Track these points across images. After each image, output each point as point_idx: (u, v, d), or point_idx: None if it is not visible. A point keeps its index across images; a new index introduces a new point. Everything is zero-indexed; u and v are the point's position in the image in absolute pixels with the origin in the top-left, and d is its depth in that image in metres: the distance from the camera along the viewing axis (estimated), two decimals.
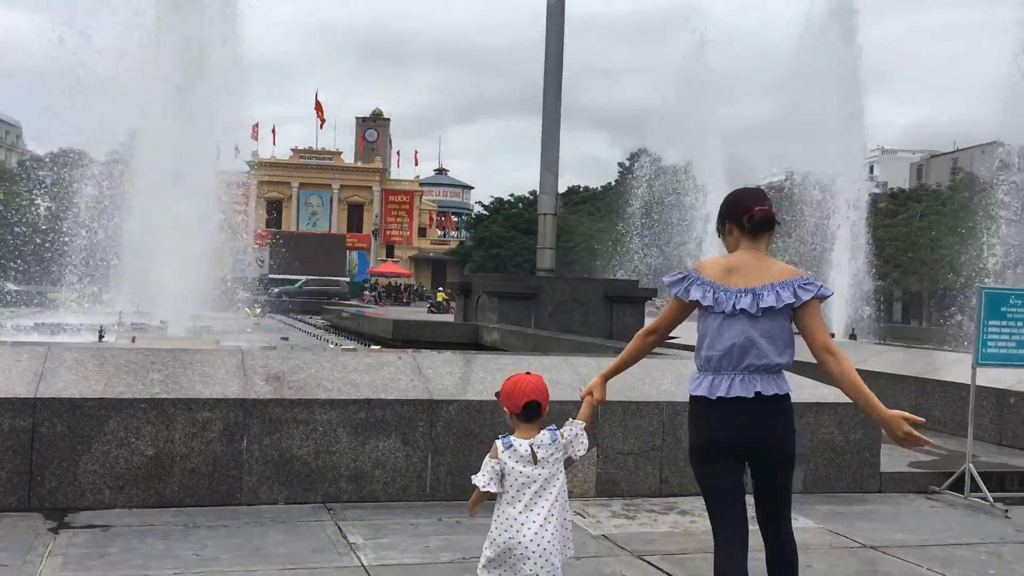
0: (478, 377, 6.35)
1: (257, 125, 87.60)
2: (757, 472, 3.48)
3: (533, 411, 3.55)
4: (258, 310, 19.38)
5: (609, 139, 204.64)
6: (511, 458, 3.48)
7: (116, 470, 5.41)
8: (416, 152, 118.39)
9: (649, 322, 3.76)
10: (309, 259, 76.13)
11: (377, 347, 10.91)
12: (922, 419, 3.31)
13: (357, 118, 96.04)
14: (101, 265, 16.13)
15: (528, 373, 3.66)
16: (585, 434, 3.63)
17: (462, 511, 5.74)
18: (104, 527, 5.02)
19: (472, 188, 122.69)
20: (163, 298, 13.28)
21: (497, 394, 3.68)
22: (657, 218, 41.33)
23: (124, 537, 4.86)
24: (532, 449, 3.48)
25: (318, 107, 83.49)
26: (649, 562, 4.87)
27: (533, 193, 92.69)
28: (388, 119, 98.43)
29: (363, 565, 4.60)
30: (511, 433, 3.58)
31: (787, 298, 3.35)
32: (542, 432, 3.55)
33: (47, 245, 17.25)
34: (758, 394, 3.33)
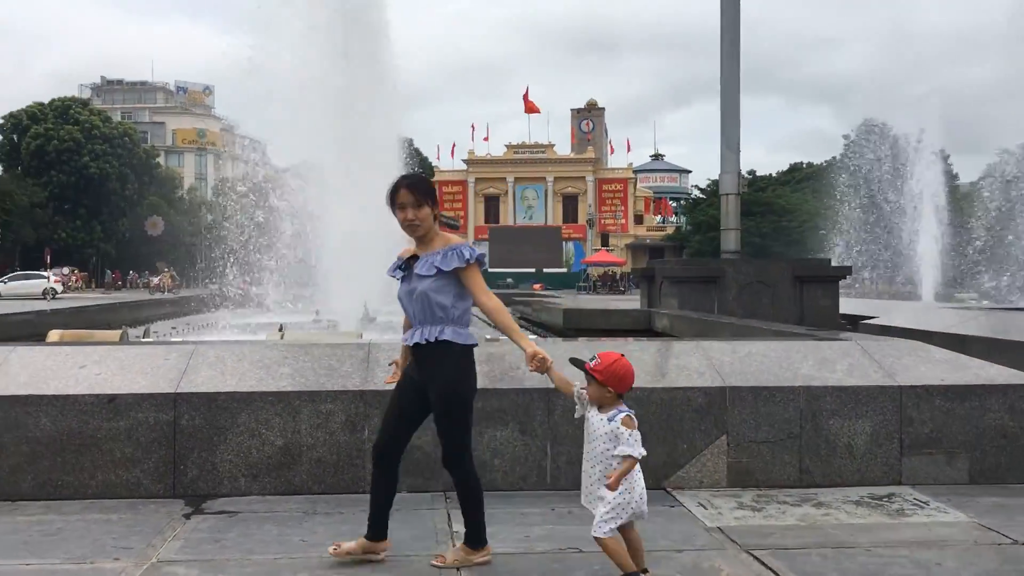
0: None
1: (473, 125, 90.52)
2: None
3: None
4: None
5: (833, 112, 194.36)
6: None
7: (249, 459, 5.77)
8: (628, 140, 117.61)
9: None
10: (527, 252, 77.79)
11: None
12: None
13: (572, 110, 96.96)
14: (308, 268, 17.27)
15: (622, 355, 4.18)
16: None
17: (578, 501, 5.67)
18: (232, 513, 5.37)
19: (689, 172, 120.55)
20: (353, 296, 14.03)
21: (587, 367, 4.13)
22: (879, 192, 38.90)
23: (246, 523, 5.18)
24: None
25: (527, 102, 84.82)
26: (756, 556, 4.60)
27: (752, 173, 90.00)
28: (603, 108, 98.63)
29: None
30: (612, 406, 4.09)
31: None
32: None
33: (261, 251, 18.73)
34: None
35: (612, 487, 3.95)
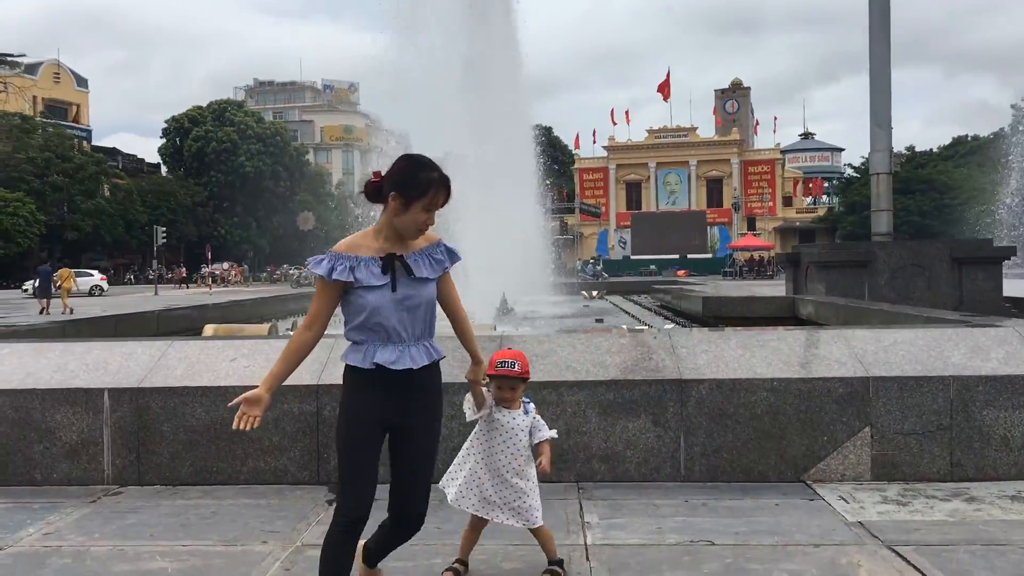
0: (734, 355, 6.12)
1: (613, 110, 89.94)
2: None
3: None
4: (594, 293, 19.99)
5: (997, 80, 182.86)
6: None
7: (387, 448, 5.94)
8: (775, 119, 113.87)
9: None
10: (670, 238, 76.79)
11: (642, 328, 10.79)
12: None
13: (716, 91, 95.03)
14: None
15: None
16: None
17: (712, 493, 5.61)
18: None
19: (842, 150, 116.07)
20: (493, 287, 14.22)
21: (514, 373, 4.10)
22: None
23: (383, 510, 5.35)
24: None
25: (664, 85, 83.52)
26: (898, 552, 4.42)
27: (910, 149, 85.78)
28: (748, 88, 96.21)
29: (585, 544, 4.67)
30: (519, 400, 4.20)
31: None
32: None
33: None
34: None
35: (548, 468, 4.13)
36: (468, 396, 4.10)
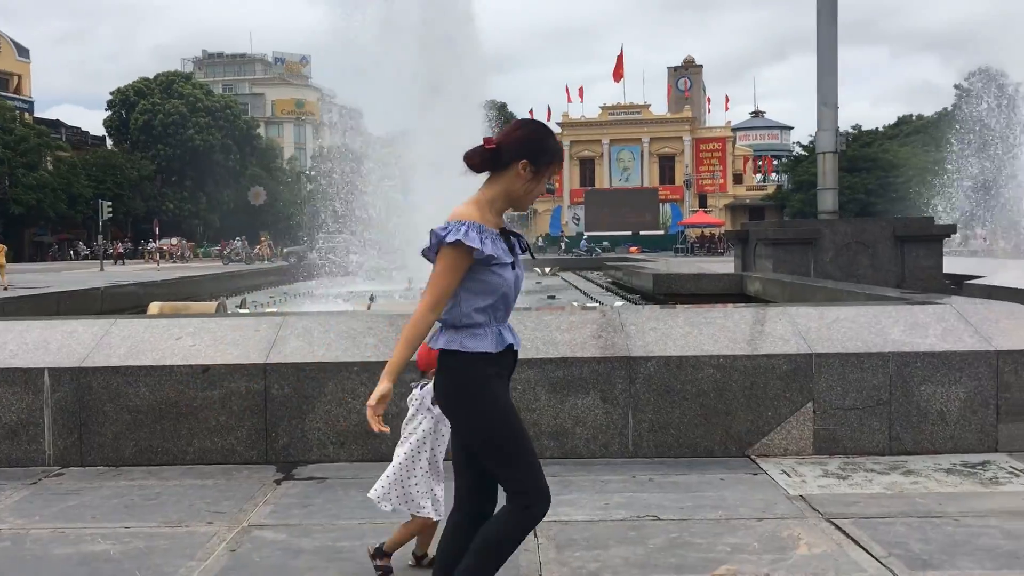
0: (682, 332, 6.19)
1: (567, 87, 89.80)
2: None
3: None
4: (547, 269, 20.03)
5: (941, 61, 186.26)
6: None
7: (337, 427, 5.94)
8: (727, 97, 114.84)
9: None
10: (623, 214, 77.17)
11: (593, 305, 10.88)
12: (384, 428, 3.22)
13: (668, 68, 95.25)
14: (403, 236, 17.57)
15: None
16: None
17: (659, 469, 5.69)
18: (321, 479, 5.55)
19: (791, 128, 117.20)
20: None
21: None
22: (994, 143, 37.14)
23: (333, 489, 5.35)
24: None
25: (618, 66, 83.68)
26: (837, 525, 4.52)
27: (857, 128, 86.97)
28: (700, 66, 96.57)
29: None
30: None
31: (431, 247, 3.09)
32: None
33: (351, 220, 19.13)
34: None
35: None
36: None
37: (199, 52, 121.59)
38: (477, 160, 3.11)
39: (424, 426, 3.97)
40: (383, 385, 3.21)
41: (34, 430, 5.91)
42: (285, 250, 54.72)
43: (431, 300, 3.07)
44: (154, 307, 8.70)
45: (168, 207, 77.27)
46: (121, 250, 58.93)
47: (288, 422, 5.94)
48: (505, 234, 3.16)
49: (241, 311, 10.07)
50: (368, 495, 4.07)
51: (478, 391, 3.09)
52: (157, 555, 4.25)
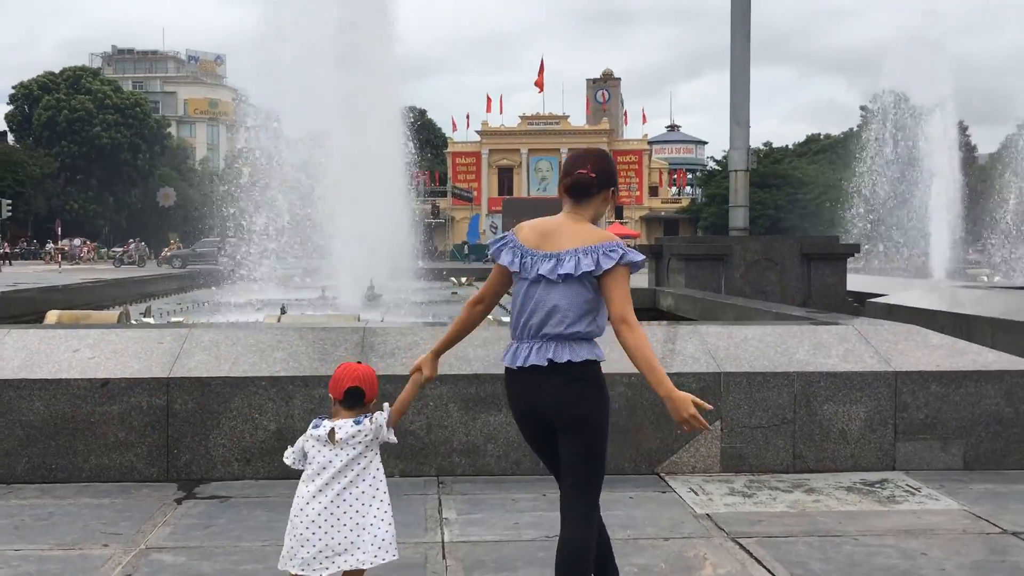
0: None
1: (488, 96, 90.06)
2: (557, 442, 3.33)
3: (355, 398, 3.43)
4: (463, 279, 20.01)
5: (848, 82, 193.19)
6: (313, 438, 3.41)
7: (242, 444, 5.79)
8: (643, 110, 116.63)
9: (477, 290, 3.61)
10: None
11: (505, 320, 10.89)
12: (709, 405, 3.29)
13: (588, 80, 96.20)
14: (311, 242, 17.30)
15: (359, 363, 3.57)
16: (386, 421, 3.46)
17: None
18: (224, 498, 5.40)
19: (706, 143, 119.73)
20: (360, 273, 14.02)
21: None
22: (896, 163, 38.46)
23: (236, 508, 5.21)
24: (332, 430, 3.37)
25: (540, 72, 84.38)
26: (742, 545, 4.60)
27: (768, 145, 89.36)
28: (619, 79, 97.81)
29: (442, 541, 4.66)
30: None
31: (587, 265, 3.20)
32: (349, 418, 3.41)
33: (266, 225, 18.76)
34: (550, 361, 3.20)
35: None
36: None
37: (108, 47, 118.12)
38: (583, 192, 3.37)
39: (377, 461, 3.48)
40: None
41: None
42: (167, 253, 53.49)
43: (632, 314, 3.27)
44: (52, 315, 8.36)
45: (72, 206, 74.67)
46: (6, 250, 56.31)
47: (191, 438, 5.77)
48: None
49: (146, 320, 9.77)
50: (379, 561, 3.39)
51: (607, 398, 3.44)
52: None
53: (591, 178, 3.36)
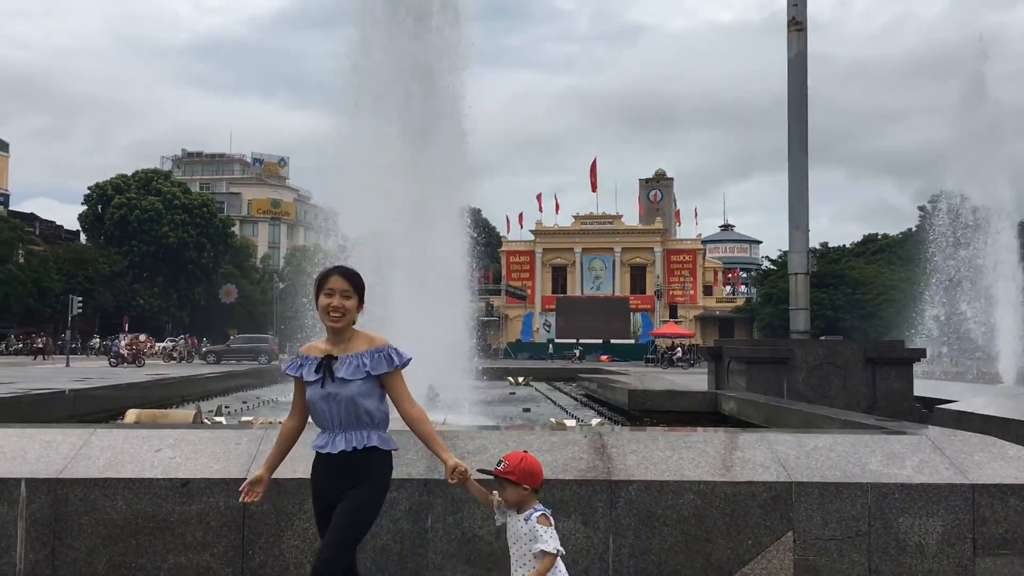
0: (662, 456, 6.23)
1: (540, 196, 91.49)
2: None
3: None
4: (520, 379, 20.06)
5: (898, 183, 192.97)
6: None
7: (315, 546, 5.85)
8: (696, 209, 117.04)
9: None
10: (594, 322, 77.63)
11: (572, 421, 10.91)
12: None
13: (640, 180, 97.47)
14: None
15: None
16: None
17: None
18: None
19: (760, 243, 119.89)
20: (419, 373, 14.13)
21: (496, 472, 4.16)
22: (962, 264, 38.00)
23: None
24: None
25: (592, 172, 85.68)
26: None
27: (824, 245, 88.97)
28: (671, 179, 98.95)
29: None
30: (529, 505, 4.15)
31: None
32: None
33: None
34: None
35: None
36: (499, 501, 4.25)
37: (178, 150, 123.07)
38: None
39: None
40: (259, 472, 4.68)
41: (6, 542, 5.78)
42: (204, 349, 54.83)
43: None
44: (131, 415, 8.61)
45: (139, 302, 76.77)
46: (40, 345, 56.63)
47: (265, 539, 5.86)
48: (327, 359, 4.26)
49: (217, 419, 9.98)
50: None
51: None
52: None
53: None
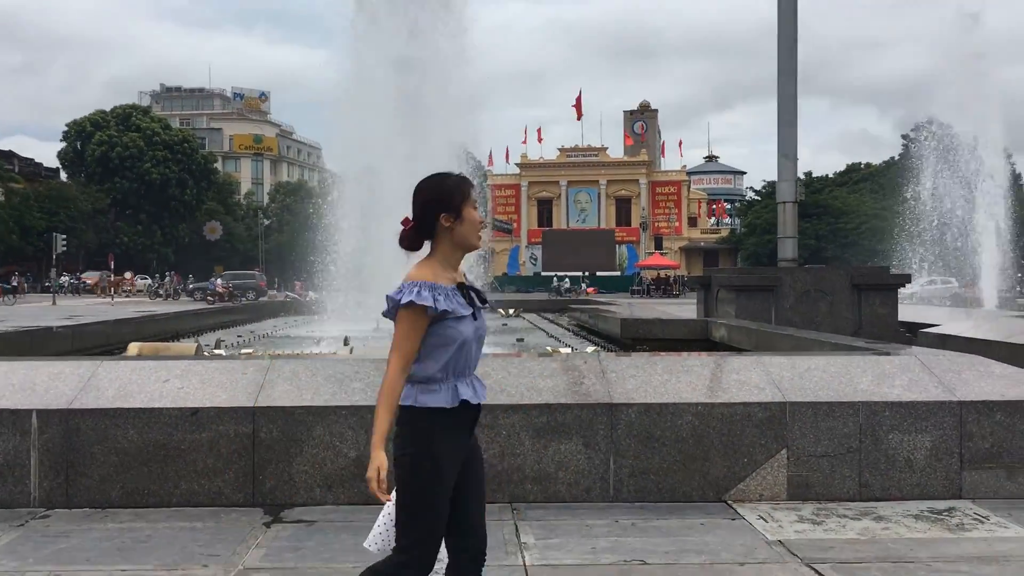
0: (660, 380, 6.39)
1: (526, 129, 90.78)
2: None
3: None
4: (511, 311, 20.21)
5: (880, 113, 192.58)
6: None
7: (324, 470, 6.02)
8: (680, 142, 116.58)
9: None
10: (580, 255, 77.73)
11: (567, 349, 11.08)
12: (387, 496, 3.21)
13: (625, 112, 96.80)
14: (364, 275, 17.65)
15: None
16: None
17: (640, 513, 5.86)
18: (309, 522, 5.63)
19: (744, 173, 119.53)
20: None
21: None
22: (945, 192, 38.16)
23: (323, 532, 5.43)
24: None
25: (577, 104, 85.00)
26: (816, 570, 4.72)
27: (808, 175, 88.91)
28: (655, 110, 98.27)
29: (524, 565, 4.83)
30: None
31: (386, 312, 3.28)
32: None
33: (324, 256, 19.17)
34: None
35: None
36: None
37: (156, 86, 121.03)
38: (408, 242, 3.31)
39: None
40: (378, 456, 3.20)
41: (20, 471, 5.91)
42: (191, 286, 54.94)
43: (400, 362, 3.20)
44: (133, 347, 8.69)
45: (123, 240, 76.27)
46: (15, 283, 54.51)
47: (276, 465, 6.01)
48: (463, 288, 3.31)
49: (217, 352, 10.09)
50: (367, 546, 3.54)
51: (423, 446, 3.20)
52: None
53: (406, 232, 3.32)
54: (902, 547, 5.13)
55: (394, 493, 3.30)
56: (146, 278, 66.89)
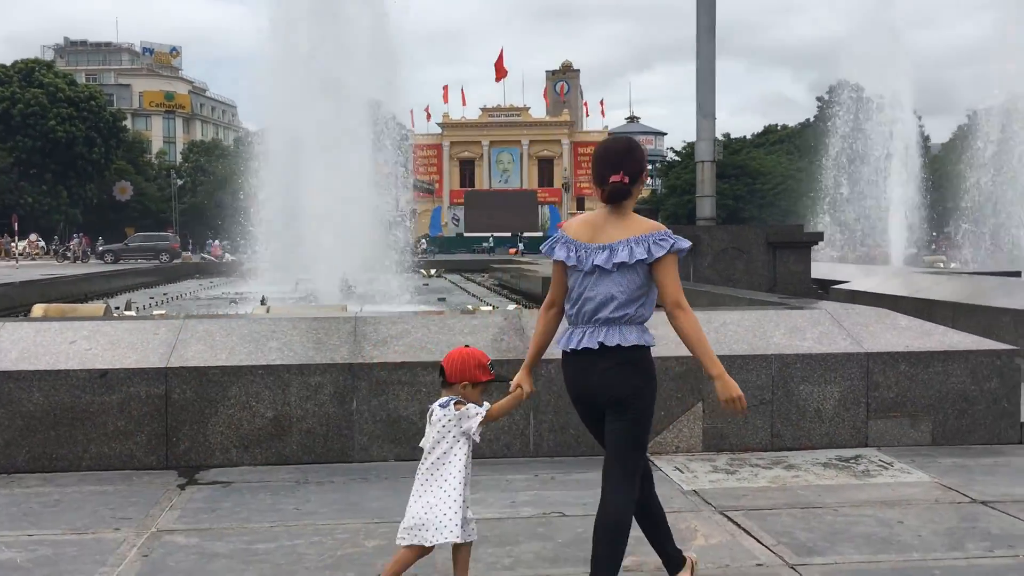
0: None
1: (447, 88, 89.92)
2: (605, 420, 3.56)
3: (441, 374, 3.68)
4: (432, 272, 20.13)
5: (795, 75, 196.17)
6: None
7: (240, 431, 5.93)
8: (602, 102, 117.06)
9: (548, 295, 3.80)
10: (502, 216, 77.79)
11: (489, 308, 11.12)
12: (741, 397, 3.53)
13: (547, 72, 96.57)
14: (283, 235, 17.35)
15: (467, 347, 3.80)
16: (479, 418, 3.58)
17: (559, 467, 5.93)
18: (225, 483, 5.54)
19: (665, 134, 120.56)
20: (333, 266, 14.11)
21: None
22: (857, 153, 39.11)
23: (240, 493, 5.35)
24: (431, 411, 3.63)
25: (499, 63, 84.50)
26: (729, 517, 4.84)
27: (726, 136, 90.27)
28: (577, 71, 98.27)
29: None
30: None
31: (640, 253, 3.42)
32: (442, 399, 3.64)
33: (243, 217, 18.75)
34: (601, 344, 3.44)
35: None
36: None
37: (60, 39, 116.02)
38: (621, 196, 3.51)
39: (465, 449, 3.63)
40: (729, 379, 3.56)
41: None
42: (100, 248, 53.45)
43: (684, 299, 3.50)
44: (38, 309, 8.37)
45: (27, 200, 73.38)
46: None
47: (190, 426, 5.89)
48: None
49: (127, 313, 9.80)
50: (437, 541, 3.57)
51: (655, 381, 3.58)
52: (66, 562, 4.20)
53: (625, 185, 3.51)
54: (811, 494, 5.29)
55: (444, 469, 3.57)
56: (39, 240, 64.26)
